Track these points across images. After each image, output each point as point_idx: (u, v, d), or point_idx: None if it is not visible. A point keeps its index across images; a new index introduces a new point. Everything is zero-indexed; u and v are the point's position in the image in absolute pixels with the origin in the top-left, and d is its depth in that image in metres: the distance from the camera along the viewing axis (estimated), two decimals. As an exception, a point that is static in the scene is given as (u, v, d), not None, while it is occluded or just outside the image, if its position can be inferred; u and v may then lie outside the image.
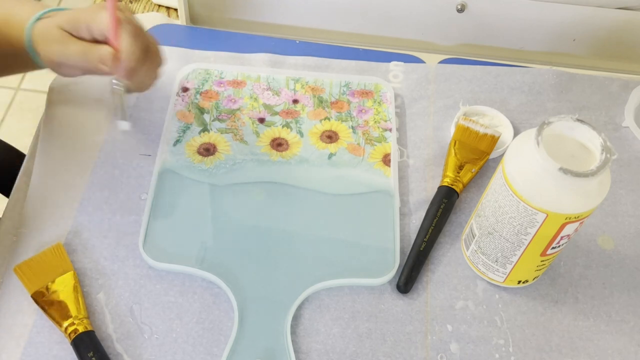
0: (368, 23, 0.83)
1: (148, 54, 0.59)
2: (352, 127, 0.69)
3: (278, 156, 0.66)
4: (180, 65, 0.73)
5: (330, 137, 0.68)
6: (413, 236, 0.62)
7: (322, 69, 0.74)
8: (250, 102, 0.70)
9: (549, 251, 0.54)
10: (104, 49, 0.57)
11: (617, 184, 0.67)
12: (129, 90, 0.60)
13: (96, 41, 0.58)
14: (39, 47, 0.59)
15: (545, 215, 0.49)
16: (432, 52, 0.82)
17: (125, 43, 0.56)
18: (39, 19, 0.60)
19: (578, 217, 0.49)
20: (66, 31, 0.58)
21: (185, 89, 0.71)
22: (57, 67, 0.60)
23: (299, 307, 0.57)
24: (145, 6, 0.83)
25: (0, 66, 0.65)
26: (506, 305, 0.59)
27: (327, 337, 0.56)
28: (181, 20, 0.81)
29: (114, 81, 0.59)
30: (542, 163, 0.48)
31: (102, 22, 0.56)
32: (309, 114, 0.70)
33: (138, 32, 0.57)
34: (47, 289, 0.55)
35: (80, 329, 0.53)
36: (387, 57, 0.77)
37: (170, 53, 0.73)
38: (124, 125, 0.60)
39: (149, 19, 0.79)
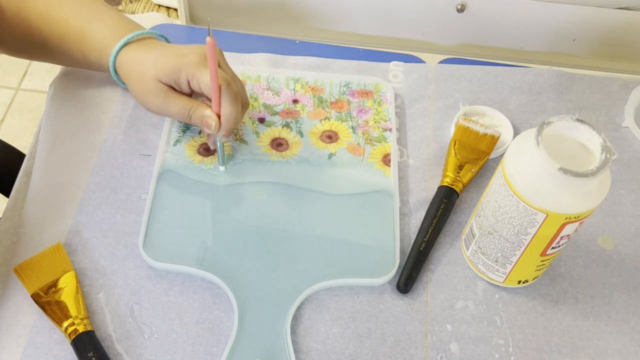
0: (368, 23, 0.83)
1: (242, 109, 0.61)
2: (352, 127, 0.69)
3: (278, 156, 0.66)
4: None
5: (330, 137, 0.68)
6: (413, 236, 0.62)
7: (322, 69, 0.74)
8: (250, 102, 0.70)
9: (549, 251, 0.54)
10: (207, 113, 0.59)
11: (617, 184, 0.67)
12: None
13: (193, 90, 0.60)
14: (131, 87, 0.61)
15: (545, 215, 0.49)
16: (432, 52, 0.82)
17: (226, 109, 0.58)
18: (123, 46, 0.61)
19: (578, 217, 0.49)
20: (165, 83, 0.59)
21: (185, 89, 0.71)
22: (152, 110, 0.62)
23: (299, 307, 0.57)
24: (145, 6, 0.83)
25: (71, 64, 0.68)
26: (506, 305, 0.59)
27: (327, 337, 0.56)
28: (181, 20, 0.81)
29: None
30: (542, 163, 0.48)
31: (205, 82, 0.57)
32: (309, 114, 0.70)
33: (237, 94, 0.59)
34: (47, 289, 0.55)
35: (80, 329, 0.53)
36: (387, 57, 0.76)
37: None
38: (222, 168, 0.65)
39: (149, 19, 0.79)
